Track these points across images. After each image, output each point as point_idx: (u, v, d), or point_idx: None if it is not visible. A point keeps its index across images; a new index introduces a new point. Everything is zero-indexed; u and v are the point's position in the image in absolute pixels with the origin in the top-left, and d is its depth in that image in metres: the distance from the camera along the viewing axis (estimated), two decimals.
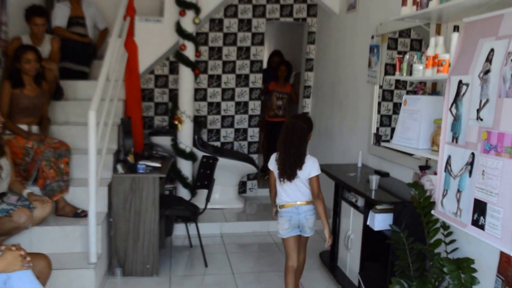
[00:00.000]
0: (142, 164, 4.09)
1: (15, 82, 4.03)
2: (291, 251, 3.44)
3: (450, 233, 2.95)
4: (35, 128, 4.17)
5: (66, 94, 4.80)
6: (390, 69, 4.36)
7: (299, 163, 3.32)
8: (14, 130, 3.99)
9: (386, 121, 4.48)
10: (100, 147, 3.82)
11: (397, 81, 4.28)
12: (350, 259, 3.91)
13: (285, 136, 3.34)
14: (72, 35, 5.14)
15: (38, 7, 4.59)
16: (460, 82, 2.62)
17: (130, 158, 4.24)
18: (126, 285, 3.95)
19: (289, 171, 3.33)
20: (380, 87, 4.40)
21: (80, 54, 5.10)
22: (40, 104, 4.21)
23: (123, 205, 4.04)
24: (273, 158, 3.46)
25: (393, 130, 3.60)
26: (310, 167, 3.35)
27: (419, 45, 4.01)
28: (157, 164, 4.27)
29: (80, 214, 3.98)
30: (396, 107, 4.37)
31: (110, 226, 4.14)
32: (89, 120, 3.54)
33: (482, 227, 2.44)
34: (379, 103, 4.43)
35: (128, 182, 4.03)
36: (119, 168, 4.07)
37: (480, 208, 2.47)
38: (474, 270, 2.71)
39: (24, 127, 4.08)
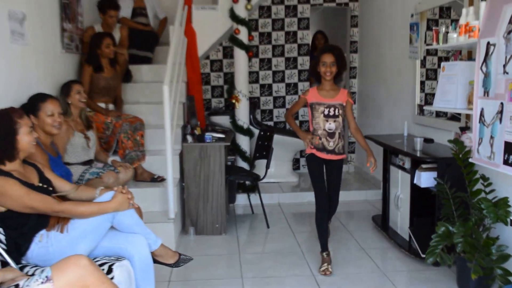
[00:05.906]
0: (209, 135, 4.89)
1: (96, 66, 4.90)
2: None
3: (489, 184, 3.59)
4: (111, 106, 5.07)
5: (134, 77, 5.67)
6: (429, 50, 4.86)
7: None
8: (95, 108, 4.87)
9: (430, 99, 4.96)
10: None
11: (439, 59, 4.91)
12: (401, 218, 4.60)
13: None
14: (136, 24, 6.08)
15: (112, 1, 5.48)
16: (488, 43, 3.32)
17: (197, 131, 5.08)
18: (199, 242, 4.80)
19: None
20: (422, 63, 4.97)
21: (144, 41, 6.03)
22: (115, 85, 5.09)
23: (193, 171, 4.90)
24: None
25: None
26: None
27: None
28: (222, 135, 5.11)
29: (157, 179, 4.87)
30: None
31: (182, 190, 5.01)
32: (164, 93, 4.33)
33: None
34: (422, 82, 5.02)
35: (197, 150, 4.84)
36: (189, 138, 4.89)
37: (510, 148, 3.13)
38: (509, 206, 3.38)
39: (102, 105, 4.95)
